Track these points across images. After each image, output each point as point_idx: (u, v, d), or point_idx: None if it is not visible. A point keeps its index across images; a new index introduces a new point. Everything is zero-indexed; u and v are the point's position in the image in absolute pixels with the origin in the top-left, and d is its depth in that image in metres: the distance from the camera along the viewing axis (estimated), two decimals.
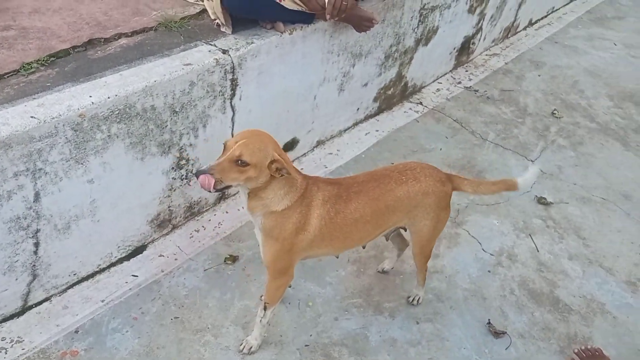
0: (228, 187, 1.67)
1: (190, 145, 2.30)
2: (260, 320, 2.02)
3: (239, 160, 1.61)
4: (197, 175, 1.61)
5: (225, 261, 2.44)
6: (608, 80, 4.30)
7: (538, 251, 2.73)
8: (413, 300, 2.39)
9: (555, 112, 3.79)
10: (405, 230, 2.15)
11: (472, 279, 2.55)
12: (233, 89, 2.33)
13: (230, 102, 2.36)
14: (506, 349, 2.28)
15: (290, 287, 2.31)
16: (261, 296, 2.19)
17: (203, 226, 2.59)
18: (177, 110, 2.14)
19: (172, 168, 2.28)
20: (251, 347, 2.07)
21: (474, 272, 2.58)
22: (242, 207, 2.05)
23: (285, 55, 2.47)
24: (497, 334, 2.32)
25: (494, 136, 3.48)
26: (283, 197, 1.76)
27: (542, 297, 2.52)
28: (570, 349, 2.31)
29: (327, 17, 2.33)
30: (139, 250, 2.39)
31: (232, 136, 2.06)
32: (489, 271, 2.60)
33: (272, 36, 2.38)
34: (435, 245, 2.37)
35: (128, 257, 2.36)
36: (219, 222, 2.61)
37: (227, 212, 2.66)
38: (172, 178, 2.31)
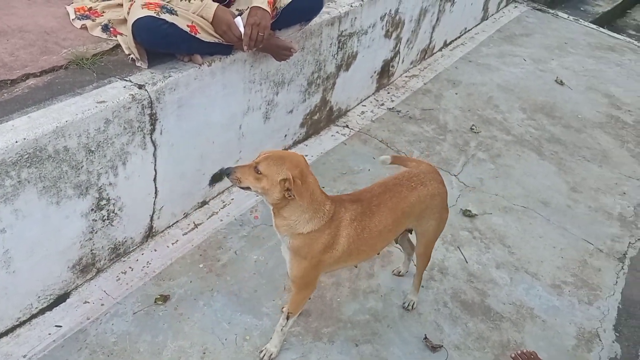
0: (248, 188, 1.86)
1: (110, 184, 2.21)
2: (282, 329, 2.14)
3: (256, 168, 1.81)
4: (224, 173, 1.89)
5: (155, 302, 2.35)
6: (520, 94, 4.56)
7: (467, 262, 2.82)
8: (408, 305, 2.51)
9: (473, 127, 3.97)
10: (411, 233, 2.32)
11: (407, 296, 2.59)
12: (152, 124, 2.28)
13: (151, 137, 2.30)
14: None
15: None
16: (282, 307, 2.23)
17: (130, 267, 2.48)
18: (92, 149, 2.07)
19: (92, 209, 2.19)
20: (271, 354, 2.18)
21: (408, 288, 2.62)
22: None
23: (205, 87, 2.45)
24: (434, 348, 2.36)
25: (418, 154, 3.59)
26: (308, 221, 1.86)
27: (474, 307, 2.59)
28: (504, 357, 2.38)
29: (245, 48, 2.34)
30: (61, 298, 2.26)
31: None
32: (423, 286, 2.65)
33: (190, 69, 2.36)
34: (369, 264, 2.40)
35: (50, 307, 2.22)
36: (148, 262, 2.52)
37: (155, 250, 2.58)
38: (93, 220, 2.22)
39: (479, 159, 3.64)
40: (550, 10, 6.38)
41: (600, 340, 2.56)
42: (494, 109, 4.26)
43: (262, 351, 2.20)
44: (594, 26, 6.29)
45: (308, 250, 1.89)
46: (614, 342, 2.56)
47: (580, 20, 6.35)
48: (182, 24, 2.19)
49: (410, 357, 2.31)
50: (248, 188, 1.87)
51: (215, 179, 2.86)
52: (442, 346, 2.38)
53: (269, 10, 2.32)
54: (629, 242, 3.20)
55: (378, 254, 2.36)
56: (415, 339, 2.40)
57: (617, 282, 2.90)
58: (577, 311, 2.68)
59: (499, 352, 2.41)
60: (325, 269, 2.01)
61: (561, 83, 4.87)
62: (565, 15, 6.33)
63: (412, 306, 2.51)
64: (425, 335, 2.40)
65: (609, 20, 6.94)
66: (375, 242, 2.03)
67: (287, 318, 2.11)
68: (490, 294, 2.68)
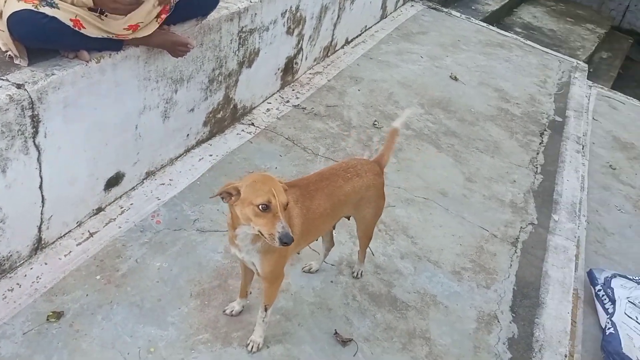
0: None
1: None
2: (263, 320, 2.21)
3: (286, 205, 1.84)
4: (286, 240, 1.77)
5: (48, 319, 2.17)
6: (418, 90, 4.74)
7: (373, 255, 2.88)
8: (357, 274, 2.70)
9: (375, 123, 4.07)
10: (349, 219, 2.46)
11: (317, 292, 2.60)
12: (35, 127, 2.09)
13: (34, 141, 2.12)
14: (354, 355, 2.35)
15: None
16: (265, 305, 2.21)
17: (18, 283, 2.28)
18: None
19: None
20: (259, 344, 2.26)
21: (317, 284, 2.63)
22: (239, 248, 2.03)
23: (94, 86, 2.29)
24: (345, 342, 2.38)
25: (324, 150, 3.61)
26: None
27: (381, 298, 2.65)
28: (411, 344, 2.46)
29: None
30: None
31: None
32: (332, 281, 2.67)
33: (77, 66, 2.19)
34: (284, 263, 2.38)
35: None
36: (37, 276, 2.32)
37: (46, 264, 2.38)
38: None
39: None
40: (444, 9, 6.69)
41: (498, 321, 2.71)
42: (394, 105, 4.39)
43: (248, 344, 2.26)
44: (484, 24, 6.68)
45: None
46: (511, 322, 2.73)
47: (472, 18, 6.72)
48: (65, 18, 2.02)
49: (321, 354, 2.32)
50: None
51: (111, 183, 2.69)
52: (352, 339, 2.41)
53: None
54: (520, 227, 3.43)
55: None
56: (326, 335, 2.41)
57: (511, 265, 3.10)
58: (477, 295, 2.83)
59: (406, 340, 2.48)
60: (290, 255, 2.13)
61: (455, 79, 5.12)
62: (458, 14, 6.67)
63: (361, 274, 2.71)
64: (336, 330, 2.42)
65: (497, 19, 7.41)
66: (318, 223, 2.17)
67: (265, 310, 2.19)
68: (396, 284, 2.75)
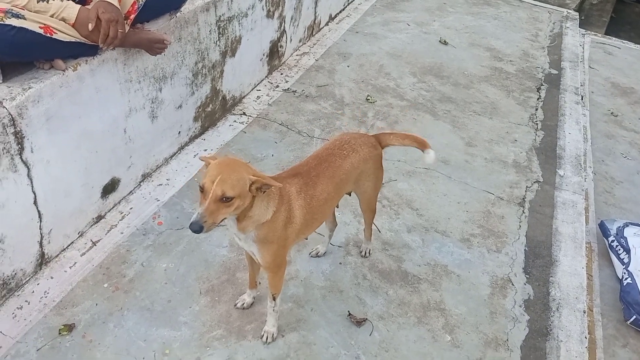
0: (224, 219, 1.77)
1: None
2: (273, 309, 2.21)
3: (224, 198, 1.70)
4: (191, 228, 1.68)
5: (60, 333, 2.16)
6: (408, 59, 4.65)
7: (380, 232, 2.84)
8: (365, 253, 2.68)
9: (369, 97, 4.00)
10: (350, 195, 2.43)
11: (327, 275, 2.57)
12: (20, 143, 2.05)
13: (21, 158, 2.08)
14: (370, 334, 2.33)
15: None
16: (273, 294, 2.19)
17: (26, 300, 2.26)
18: None
19: None
20: (273, 334, 2.25)
21: (326, 268, 2.61)
22: (232, 232, 1.99)
23: (74, 95, 2.24)
24: (359, 322, 2.36)
25: (319, 132, 3.56)
26: (267, 207, 1.90)
27: (392, 274, 2.63)
28: (427, 317, 2.44)
29: (101, 46, 2.17)
30: None
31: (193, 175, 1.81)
32: (340, 263, 2.65)
33: (53, 76, 2.14)
34: (286, 252, 2.36)
35: None
36: (45, 291, 2.31)
37: (52, 278, 2.37)
38: None
39: (378, 128, 3.68)
40: None
41: (512, 284, 2.68)
42: (386, 77, 4.32)
43: (263, 335, 2.25)
44: None
45: (274, 233, 1.95)
46: (525, 284, 2.70)
47: None
48: (33, 27, 1.97)
49: (337, 337, 2.30)
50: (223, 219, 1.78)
51: (108, 190, 2.66)
52: (367, 319, 2.38)
53: (118, 5, 2.15)
54: (526, 186, 3.38)
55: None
56: (340, 317, 2.39)
57: (520, 226, 3.06)
58: (488, 260, 2.79)
59: (421, 314, 2.45)
60: (291, 243, 2.09)
61: (445, 43, 5.02)
62: None
63: (369, 252, 2.69)
64: (349, 311, 2.40)
65: None
66: (323, 208, 2.15)
67: (274, 299, 2.18)
68: (406, 258, 2.72)
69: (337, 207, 2.45)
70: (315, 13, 4.62)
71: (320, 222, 2.24)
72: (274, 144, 3.41)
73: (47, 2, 2.05)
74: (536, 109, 4.23)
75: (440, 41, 5.03)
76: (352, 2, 5.51)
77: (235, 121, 3.58)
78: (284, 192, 1.98)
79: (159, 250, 2.57)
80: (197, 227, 1.68)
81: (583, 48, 5.45)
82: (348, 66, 4.37)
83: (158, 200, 2.86)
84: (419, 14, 5.54)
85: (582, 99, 4.49)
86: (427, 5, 5.74)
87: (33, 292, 2.31)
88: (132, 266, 2.48)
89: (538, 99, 4.38)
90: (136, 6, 2.25)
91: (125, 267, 2.47)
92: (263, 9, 3.66)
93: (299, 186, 2.04)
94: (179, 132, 3.15)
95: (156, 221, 2.72)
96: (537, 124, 4.05)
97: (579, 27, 5.91)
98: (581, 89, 4.63)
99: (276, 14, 3.88)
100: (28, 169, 2.12)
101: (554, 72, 4.84)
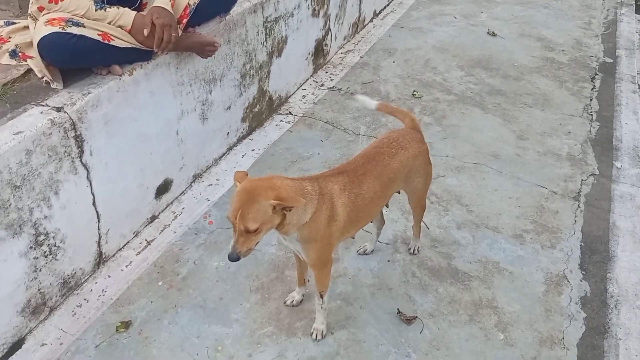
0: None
1: (46, 217, 2.08)
2: (322, 307, 2.22)
3: (247, 229, 1.73)
4: (230, 260, 1.78)
5: (117, 330, 2.24)
6: (455, 52, 4.57)
7: (428, 229, 2.81)
8: (414, 250, 2.67)
9: (415, 93, 3.96)
10: (399, 193, 2.38)
11: (375, 273, 2.57)
12: (80, 147, 2.15)
13: (81, 161, 2.17)
14: (420, 332, 2.31)
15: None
16: (319, 292, 2.21)
17: (85, 299, 2.37)
18: (18, 184, 1.93)
19: (31, 247, 2.06)
20: (322, 331, 2.26)
21: (374, 265, 2.60)
22: (284, 237, 2.03)
23: (131, 98, 2.33)
24: (409, 320, 2.35)
25: (365, 129, 3.55)
26: (304, 210, 1.89)
27: (441, 272, 2.59)
28: (478, 315, 2.39)
29: (156, 51, 2.23)
30: (16, 345, 2.13)
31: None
32: (389, 261, 2.63)
33: (111, 81, 2.23)
34: (334, 249, 2.38)
35: (5, 357, 2.09)
36: (103, 290, 2.41)
37: (109, 276, 2.46)
38: (34, 258, 2.09)
39: (425, 124, 3.63)
40: None
41: (568, 281, 2.60)
42: (432, 71, 4.26)
43: (312, 332, 2.27)
44: None
45: (316, 232, 1.96)
46: (581, 280, 2.61)
47: None
48: (92, 34, 2.06)
49: (387, 335, 2.29)
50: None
51: (161, 190, 2.75)
52: (417, 317, 2.36)
53: (171, 10, 2.21)
54: (581, 180, 3.26)
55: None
56: (389, 315, 2.38)
57: (575, 221, 2.95)
58: (542, 257, 2.71)
59: (473, 311, 2.41)
60: (335, 241, 2.09)
61: (493, 34, 4.90)
62: None
63: (417, 250, 2.67)
64: (398, 309, 2.38)
65: None
66: (369, 207, 2.13)
67: (321, 297, 2.19)
68: (456, 255, 2.68)
69: (387, 206, 2.44)
70: (359, 10, 4.61)
71: (366, 220, 2.23)
72: (320, 143, 3.43)
73: (105, 10, 2.14)
74: (590, 100, 4.07)
75: (488, 33, 4.92)
76: None
77: (281, 121, 3.62)
78: (325, 191, 1.98)
79: (210, 248, 2.64)
80: (235, 257, 1.78)
81: (639, 35, 5.21)
82: (393, 62, 4.33)
83: (208, 200, 2.93)
84: (466, 5, 5.43)
85: (639, 87, 4.29)
86: None
87: (91, 290, 2.41)
88: (184, 264, 2.55)
89: (592, 89, 4.21)
90: (188, 10, 2.31)
91: (179, 265, 2.54)
92: (308, 8, 3.68)
93: (342, 184, 2.03)
94: (228, 132, 3.22)
95: (207, 220, 2.79)
96: (591, 114, 3.90)
97: (635, 13, 5.64)
98: (638, 77, 4.43)
99: (321, 13, 3.90)
100: (87, 171, 2.22)
101: (609, 60, 4.64)
